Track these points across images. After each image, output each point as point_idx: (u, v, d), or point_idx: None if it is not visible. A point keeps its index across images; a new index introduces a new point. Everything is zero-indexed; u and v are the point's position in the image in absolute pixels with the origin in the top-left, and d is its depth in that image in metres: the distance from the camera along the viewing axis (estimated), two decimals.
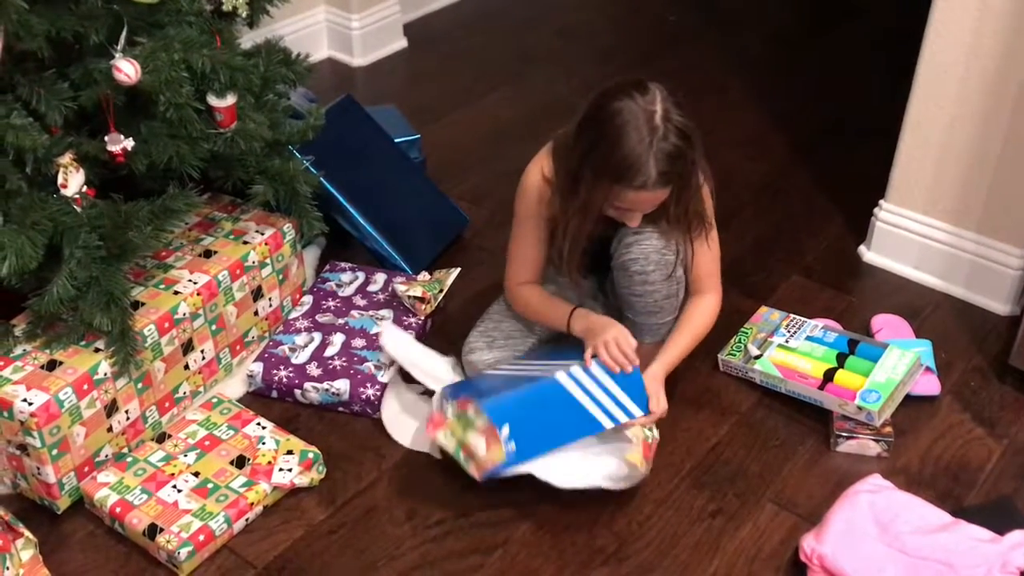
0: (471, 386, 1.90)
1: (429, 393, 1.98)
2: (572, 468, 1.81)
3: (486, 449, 1.74)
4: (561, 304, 1.96)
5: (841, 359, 2.05)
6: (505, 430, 1.74)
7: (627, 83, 1.74)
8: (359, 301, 2.20)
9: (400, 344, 2.04)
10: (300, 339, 2.09)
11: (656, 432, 1.90)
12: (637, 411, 1.84)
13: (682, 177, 1.78)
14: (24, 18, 1.62)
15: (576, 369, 1.83)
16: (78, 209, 1.74)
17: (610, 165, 1.73)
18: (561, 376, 1.82)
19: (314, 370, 2.03)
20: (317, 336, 2.10)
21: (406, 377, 2.04)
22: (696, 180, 1.84)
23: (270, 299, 2.11)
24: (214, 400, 1.98)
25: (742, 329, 2.17)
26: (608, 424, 1.81)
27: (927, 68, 2.20)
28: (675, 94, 1.75)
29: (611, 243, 1.93)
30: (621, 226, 1.89)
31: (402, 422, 1.98)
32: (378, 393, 1.99)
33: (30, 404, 1.69)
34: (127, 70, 1.69)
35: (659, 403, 1.87)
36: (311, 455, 1.87)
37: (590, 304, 2.06)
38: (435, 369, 2.02)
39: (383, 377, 2.01)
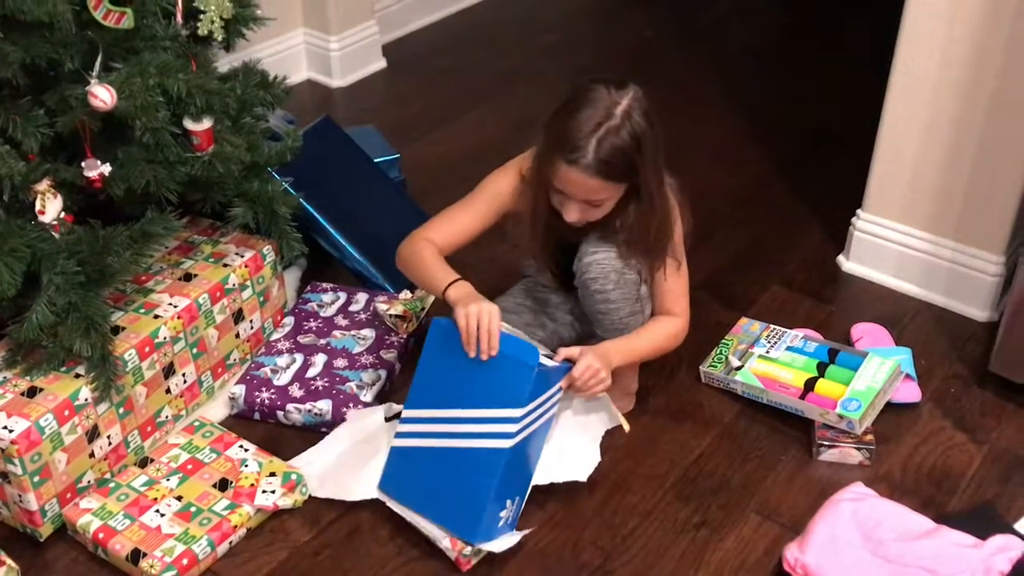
0: (410, 485, 1.82)
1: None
2: (573, 457, 1.86)
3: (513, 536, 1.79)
4: (447, 271, 1.84)
5: (821, 368, 2.06)
6: (508, 505, 1.76)
7: (612, 77, 1.77)
8: (341, 321, 2.20)
9: (327, 480, 1.89)
10: (282, 360, 2.09)
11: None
12: (562, 384, 1.79)
13: (623, 179, 1.76)
14: None
15: (507, 430, 1.73)
16: (56, 235, 1.74)
17: (556, 132, 1.74)
18: (505, 443, 1.73)
19: (296, 391, 2.03)
20: (299, 357, 2.10)
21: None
22: (657, 202, 1.81)
23: (251, 321, 2.11)
24: (196, 423, 1.97)
25: (723, 341, 2.18)
26: (554, 410, 1.82)
27: (900, 76, 2.22)
28: (650, 102, 1.76)
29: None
30: (584, 238, 1.89)
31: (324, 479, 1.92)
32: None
33: (10, 431, 1.69)
34: (103, 96, 1.70)
35: (585, 365, 1.78)
36: (294, 476, 1.86)
37: (566, 318, 2.08)
38: (367, 461, 1.90)
39: (365, 396, 2.02)
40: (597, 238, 1.87)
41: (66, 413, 1.75)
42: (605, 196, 1.78)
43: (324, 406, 2.00)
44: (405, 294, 2.23)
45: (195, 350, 1.98)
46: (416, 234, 1.92)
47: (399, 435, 1.85)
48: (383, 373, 2.07)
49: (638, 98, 1.75)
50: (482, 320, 1.74)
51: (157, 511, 1.80)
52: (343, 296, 2.26)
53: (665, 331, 1.94)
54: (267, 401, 2.02)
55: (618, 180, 1.76)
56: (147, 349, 1.87)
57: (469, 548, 1.74)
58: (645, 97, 1.76)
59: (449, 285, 1.81)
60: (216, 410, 2.05)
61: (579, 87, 1.77)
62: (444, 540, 1.76)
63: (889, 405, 2.04)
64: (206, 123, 1.86)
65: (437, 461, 1.79)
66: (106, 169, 1.78)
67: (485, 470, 1.74)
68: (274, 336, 2.15)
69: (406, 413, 1.84)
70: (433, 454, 1.80)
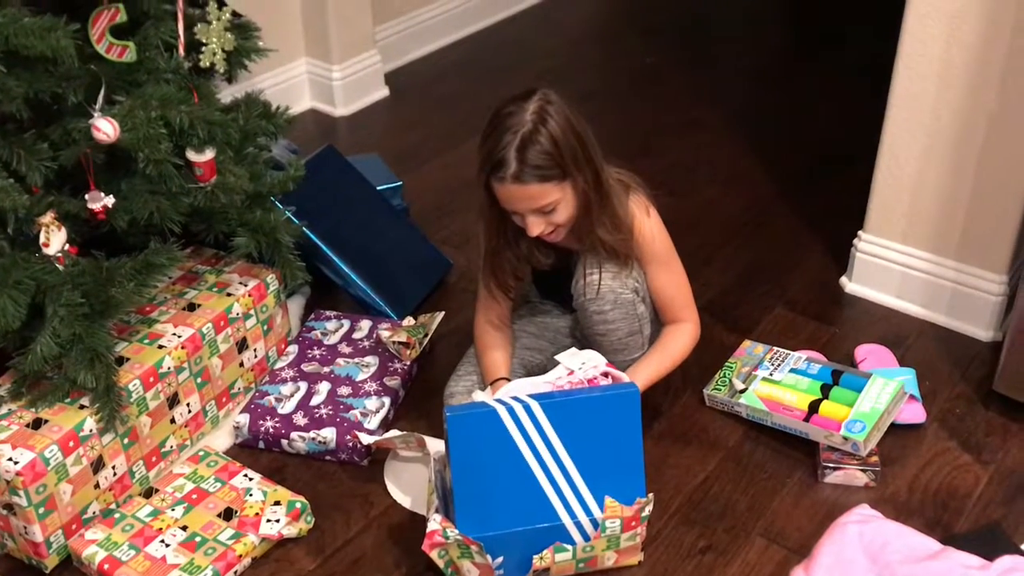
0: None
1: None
2: None
3: None
4: (490, 371, 2.00)
5: (825, 390, 2.06)
6: (499, 561, 1.73)
7: (517, 92, 1.82)
8: (344, 349, 2.20)
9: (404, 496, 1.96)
10: (286, 389, 2.10)
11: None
12: None
13: (558, 176, 1.77)
14: (2, 81, 1.64)
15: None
16: (60, 267, 1.75)
17: (482, 157, 1.80)
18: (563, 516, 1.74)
19: (300, 419, 2.03)
20: (303, 385, 2.11)
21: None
22: (596, 194, 1.82)
23: (255, 350, 2.11)
24: (201, 453, 1.98)
25: (726, 363, 2.18)
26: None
27: (899, 98, 2.23)
28: (565, 100, 1.80)
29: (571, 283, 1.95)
30: (576, 263, 1.91)
31: (404, 487, 1.97)
32: (362, 445, 1.98)
33: (16, 463, 1.69)
34: (106, 129, 1.71)
35: None
36: (299, 505, 1.87)
37: (566, 341, 2.09)
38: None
39: (370, 424, 2.02)
40: (589, 259, 1.88)
41: (71, 444, 1.75)
42: (551, 199, 1.80)
43: (328, 434, 2.00)
44: (408, 321, 2.23)
45: (199, 379, 1.99)
46: (476, 319, 2.07)
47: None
48: (387, 400, 2.08)
49: (547, 99, 1.79)
50: None
51: (162, 541, 1.80)
52: (347, 324, 2.27)
53: (678, 341, 2.00)
54: (271, 430, 2.02)
55: (554, 179, 1.78)
56: (151, 379, 1.88)
57: (452, 534, 1.66)
58: (558, 95, 1.80)
59: (488, 385, 1.99)
60: (221, 439, 2.06)
61: (492, 113, 1.82)
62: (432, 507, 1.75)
63: (894, 426, 2.04)
64: (209, 154, 1.87)
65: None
66: (110, 201, 1.79)
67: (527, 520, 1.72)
68: (278, 364, 2.16)
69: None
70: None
